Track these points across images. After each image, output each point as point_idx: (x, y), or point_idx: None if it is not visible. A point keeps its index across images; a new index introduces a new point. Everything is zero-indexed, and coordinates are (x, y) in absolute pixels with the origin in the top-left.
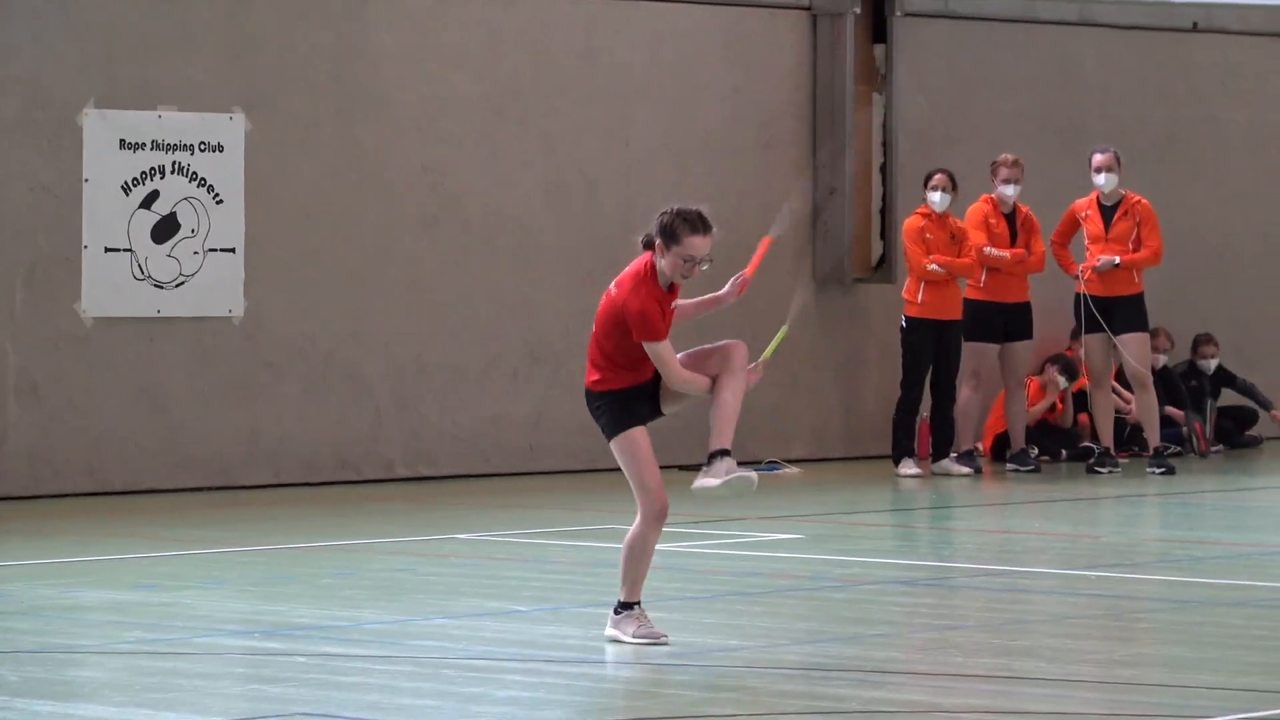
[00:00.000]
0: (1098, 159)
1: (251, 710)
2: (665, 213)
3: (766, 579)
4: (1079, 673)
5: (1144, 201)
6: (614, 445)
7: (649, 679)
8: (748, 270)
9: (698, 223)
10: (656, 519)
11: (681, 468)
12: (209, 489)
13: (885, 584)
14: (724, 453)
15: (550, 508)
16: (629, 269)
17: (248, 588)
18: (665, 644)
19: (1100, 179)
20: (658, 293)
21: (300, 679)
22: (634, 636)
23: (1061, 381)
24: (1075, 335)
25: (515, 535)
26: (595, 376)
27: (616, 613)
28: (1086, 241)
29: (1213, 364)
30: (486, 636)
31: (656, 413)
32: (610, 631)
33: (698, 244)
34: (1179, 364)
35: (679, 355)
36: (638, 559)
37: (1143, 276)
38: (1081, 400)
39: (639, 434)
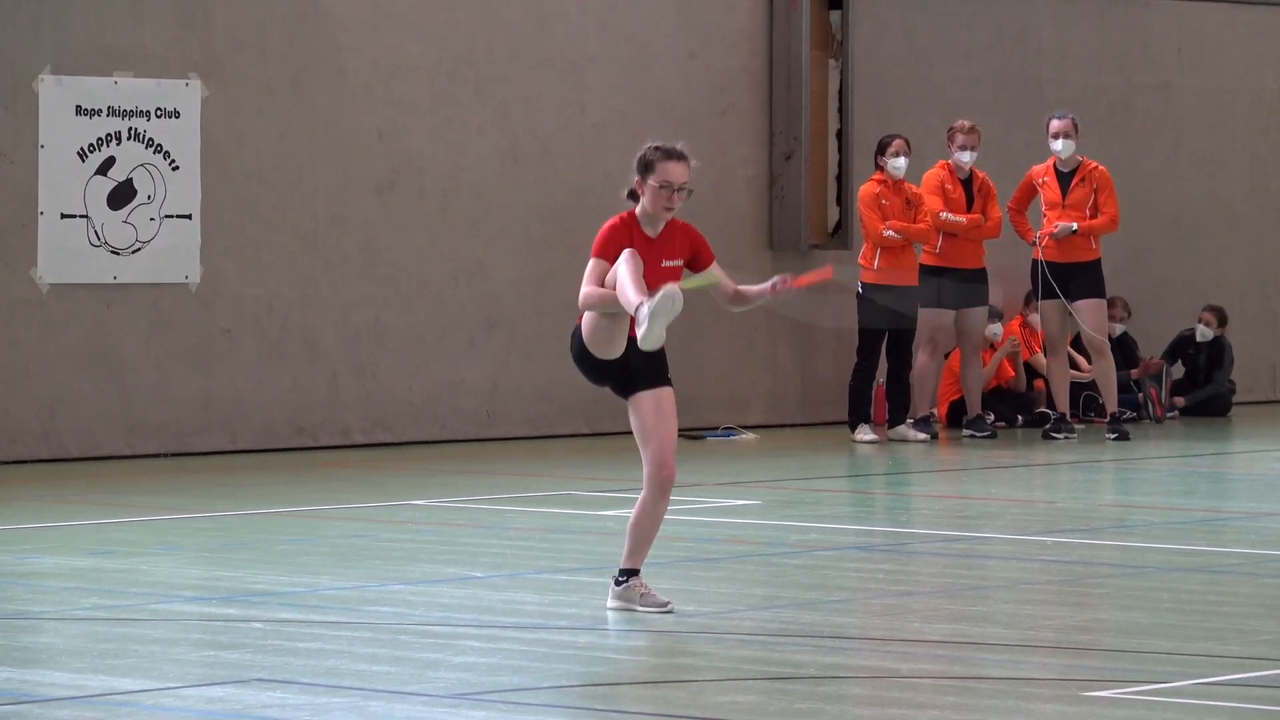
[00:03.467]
0: (1055, 125)
1: (208, 676)
2: (641, 150)
3: (723, 545)
4: (1035, 638)
5: (1101, 168)
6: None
7: (605, 645)
8: (795, 280)
9: (672, 151)
10: (658, 478)
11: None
12: (165, 455)
13: (842, 550)
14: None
15: (507, 474)
16: None
17: (204, 554)
18: (670, 610)
19: (1057, 145)
20: (639, 236)
21: (257, 645)
22: (644, 606)
23: (997, 329)
24: (1029, 301)
25: (472, 501)
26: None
27: (617, 583)
28: (1044, 208)
29: (1203, 330)
30: (444, 602)
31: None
32: (613, 604)
33: (672, 169)
34: (1185, 330)
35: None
36: (642, 534)
37: (1100, 243)
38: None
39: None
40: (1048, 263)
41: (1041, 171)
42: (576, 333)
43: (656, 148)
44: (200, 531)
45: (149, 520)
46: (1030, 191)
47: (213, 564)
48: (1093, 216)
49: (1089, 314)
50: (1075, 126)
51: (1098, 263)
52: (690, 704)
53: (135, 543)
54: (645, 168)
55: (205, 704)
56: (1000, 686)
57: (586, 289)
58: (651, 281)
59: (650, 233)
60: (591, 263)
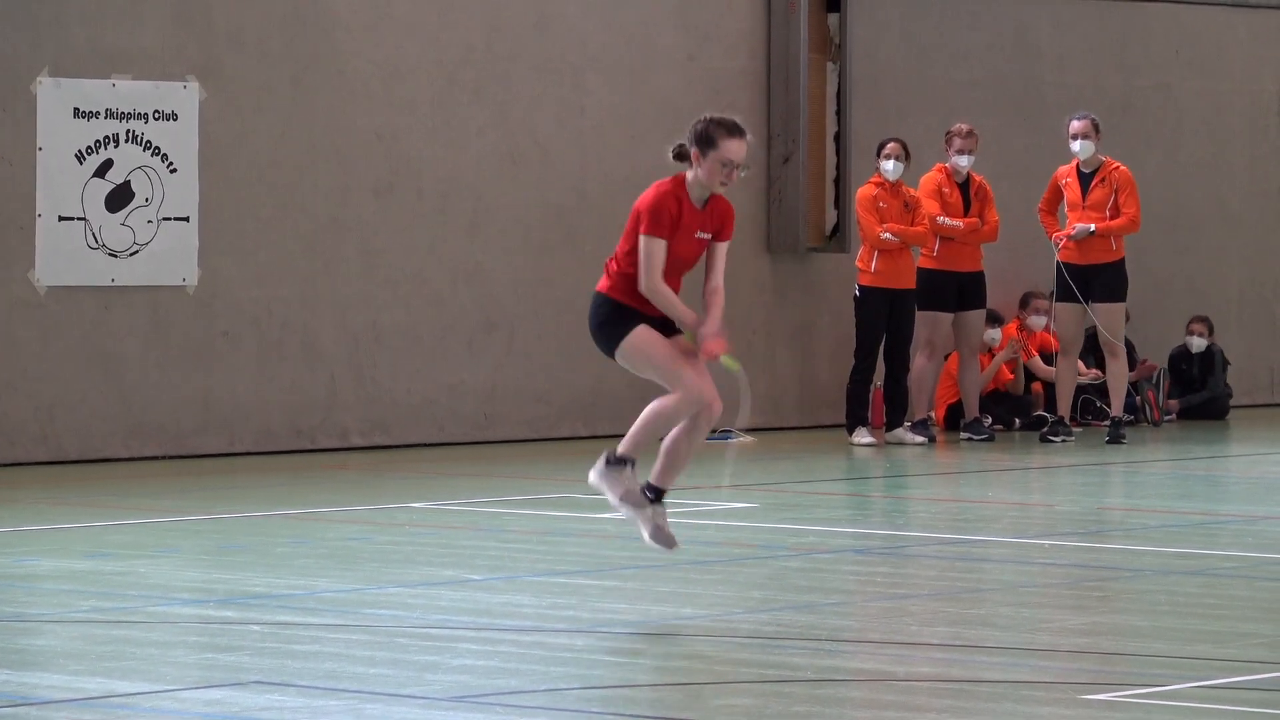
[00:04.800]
0: (1074, 126)
1: (206, 679)
2: (699, 120)
3: (721, 548)
4: (1033, 641)
5: (1123, 168)
6: (620, 358)
7: (603, 647)
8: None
9: (734, 127)
10: (692, 405)
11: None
12: (163, 457)
13: (840, 552)
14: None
15: (505, 476)
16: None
17: (202, 556)
18: (647, 528)
19: (1076, 146)
20: (686, 204)
21: (255, 647)
22: (620, 500)
23: (995, 334)
24: (1025, 304)
25: (470, 504)
26: (606, 284)
27: (608, 463)
28: (1066, 209)
29: (1197, 341)
30: (441, 605)
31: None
32: (594, 479)
33: (734, 147)
34: (1178, 346)
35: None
36: (658, 427)
37: (1123, 244)
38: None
39: (642, 331)
40: (1068, 264)
41: (1066, 172)
42: (599, 296)
43: (718, 123)
44: (198, 534)
45: (147, 522)
46: (1057, 192)
47: (211, 566)
48: (1113, 217)
49: (1103, 317)
50: (1095, 127)
51: (1119, 264)
52: (687, 707)
53: (133, 545)
54: (706, 143)
55: (203, 706)
56: (998, 689)
57: (658, 282)
58: (684, 251)
59: (697, 203)
60: (646, 241)
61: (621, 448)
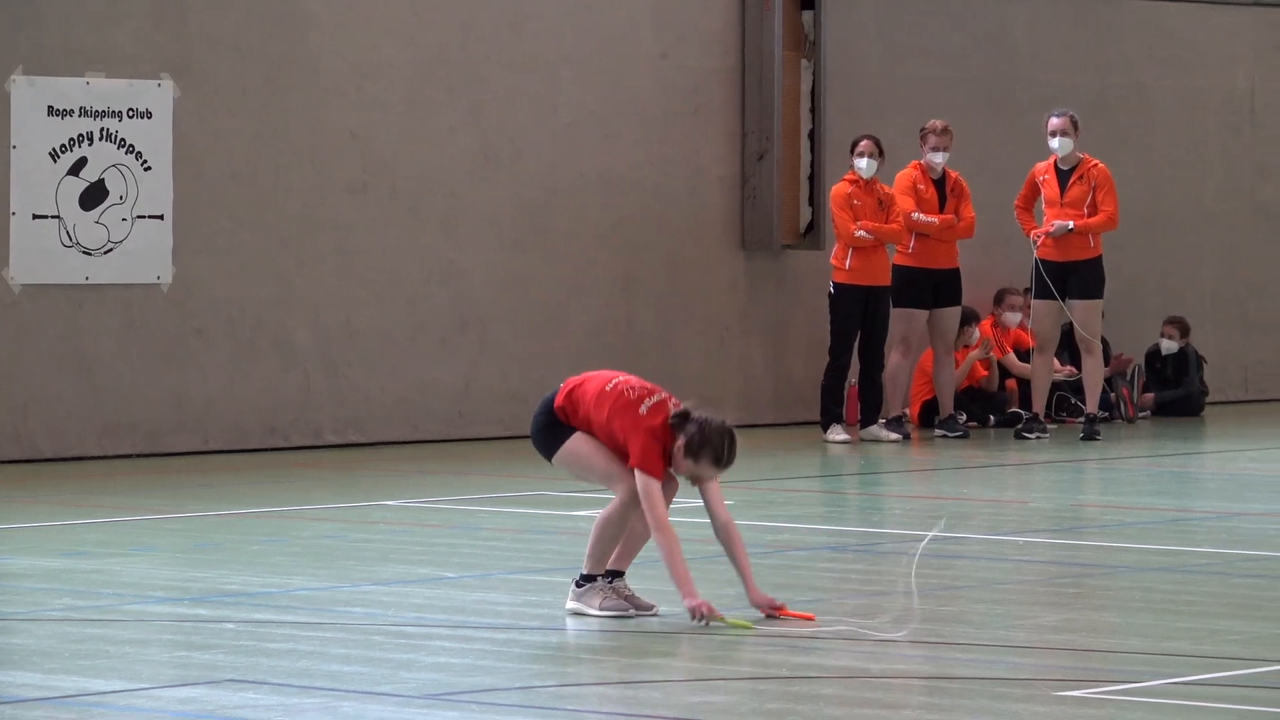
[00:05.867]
0: (1052, 123)
1: (181, 677)
2: (706, 425)
3: (696, 545)
4: (1008, 638)
5: (1101, 166)
6: (558, 463)
7: (578, 645)
8: (781, 610)
9: (722, 455)
10: (634, 505)
11: None
12: (137, 456)
13: (814, 550)
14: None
15: (479, 474)
16: (658, 399)
17: (176, 554)
18: (633, 616)
19: (1054, 143)
20: (665, 452)
21: (229, 645)
22: (600, 607)
23: (974, 333)
24: (1000, 300)
25: (444, 502)
26: (560, 402)
27: (578, 585)
28: (1044, 206)
29: (1167, 344)
30: (416, 603)
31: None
32: (572, 604)
33: (710, 473)
34: (1151, 345)
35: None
36: (610, 536)
37: (1100, 241)
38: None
39: (579, 438)
40: (1046, 261)
41: (1043, 169)
42: (547, 411)
43: (713, 448)
44: (173, 532)
45: (121, 521)
46: (1034, 189)
47: (185, 564)
48: (1091, 214)
49: (1079, 314)
50: (1074, 124)
51: (1097, 261)
52: (663, 704)
53: (108, 543)
54: (693, 451)
55: (178, 704)
56: (972, 686)
57: (667, 525)
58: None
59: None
60: (644, 480)
61: (586, 566)
